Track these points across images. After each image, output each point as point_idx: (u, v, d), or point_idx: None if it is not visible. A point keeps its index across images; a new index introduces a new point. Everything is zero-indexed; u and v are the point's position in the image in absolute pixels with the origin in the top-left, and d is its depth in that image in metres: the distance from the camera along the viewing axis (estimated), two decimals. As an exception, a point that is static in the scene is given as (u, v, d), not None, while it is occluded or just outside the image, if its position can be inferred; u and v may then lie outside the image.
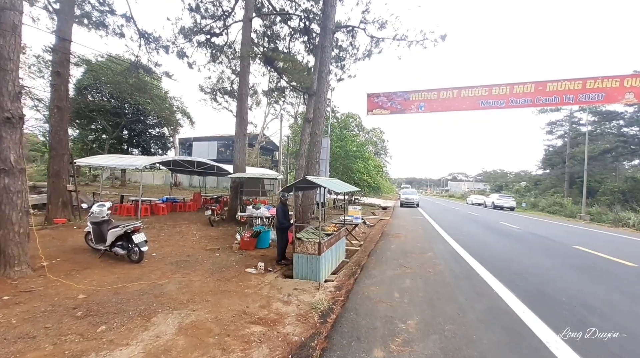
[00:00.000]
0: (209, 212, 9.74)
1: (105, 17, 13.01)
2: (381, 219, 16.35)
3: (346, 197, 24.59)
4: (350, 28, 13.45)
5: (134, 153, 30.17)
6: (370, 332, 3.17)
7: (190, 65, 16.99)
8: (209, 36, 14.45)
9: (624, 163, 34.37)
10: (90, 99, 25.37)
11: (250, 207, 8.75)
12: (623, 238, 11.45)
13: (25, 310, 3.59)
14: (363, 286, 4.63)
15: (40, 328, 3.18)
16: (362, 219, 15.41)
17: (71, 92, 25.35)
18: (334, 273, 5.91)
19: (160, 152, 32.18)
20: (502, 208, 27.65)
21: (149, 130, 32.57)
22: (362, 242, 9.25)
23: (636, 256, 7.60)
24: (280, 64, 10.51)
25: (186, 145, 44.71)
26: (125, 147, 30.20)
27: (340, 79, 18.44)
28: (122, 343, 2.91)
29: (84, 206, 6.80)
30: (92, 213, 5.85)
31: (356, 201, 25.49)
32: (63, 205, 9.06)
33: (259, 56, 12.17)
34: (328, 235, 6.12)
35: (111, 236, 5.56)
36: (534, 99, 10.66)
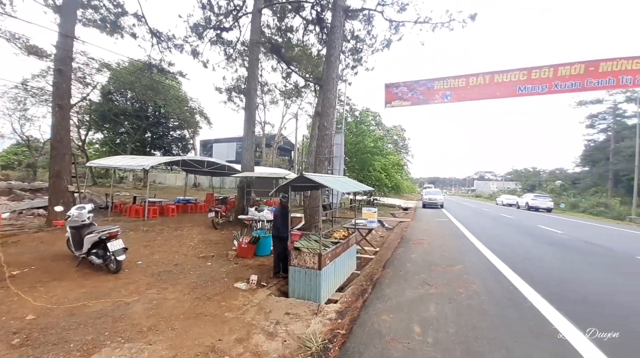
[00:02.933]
0: (212, 214, 9.07)
1: (115, 16, 12.83)
2: (401, 221, 15.04)
3: (364, 197, 23.39)
4: (367, 12, 12.29)
5: (156, 154, 30.79)
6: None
7: (204, 64, 16.60)
8: (219, 31, 13.91)
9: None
10: (115, 103, 26.14)
11: (252, 209, 7.95)
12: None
13: (-51, 338, 2.93)
14: (373, 314, 3.60)
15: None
16: (380, 222, 14.24)
17: (97, 98, 26.43)
18: (340, 289, 4.91)
19: (181, 153, 32.70)
20: (537, 209, 25.09)
21: (171, 132, 33.25)
22: (377, 249, 8.15)
23: None
24: (287, 53, 9.63)
25: (207, 147, 45.41)
26: (148, 149, 30.92)
27: (356, 73, 17.34)
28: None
29: (58, 209, 6.29)
30: (71, 216, 5.28)
31: (375, 201, 24.20)
32: (64, 207, 8.76)
33: (266, 44, 11.31)
34: (335, 242, 5.15)
35: (87, 242, 4.93)
36: (583, 82, 9.01)
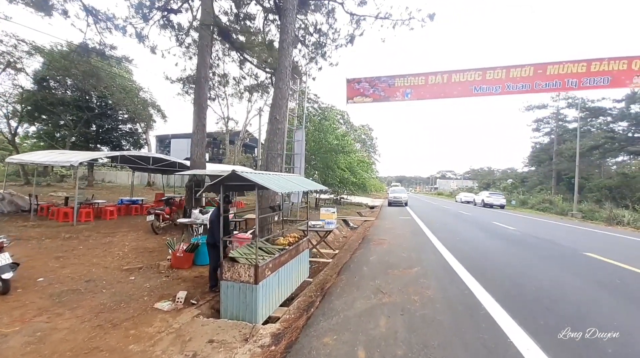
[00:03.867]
0: (150, 217, 7.97)
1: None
2: (366, 220, 14.88)
3: (331, 196, 23.08)
4: (326, 2, 11.82)
5: (102, 150, 27.78)
6: None
7: (152, 50, 15.02)
8: (166, 12, 12.54)
9: (608, 159, 34.20)
10: (51, 91, 22.98)
11: (196, 211, 7.05)
12: (628, 240, 10.32)
13: None
14: (314, 335, 3.06)
15: None
16: (345, 221, 13.90)
17: (30, 85, 23.06)
18: (286, 302, 4.33)
19: (132, 149, 29.89)
20: (492, 206, 26.72)
21: (120, 126, 30.29)
22: (337, 251, 7.70)
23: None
24: (238, 38, 8.80)
25: (165, 142, 42.28)
26: (92, 144, 27.79)
27: (320, 68, 16.88)
28: None
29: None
30: None
31: (341, 200, 24.02)
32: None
33: (214, 28, 10.32)
34: (281, 249, 4.54)
35: (-41, 258, 3.80)
36: (532, 84, 9.33)
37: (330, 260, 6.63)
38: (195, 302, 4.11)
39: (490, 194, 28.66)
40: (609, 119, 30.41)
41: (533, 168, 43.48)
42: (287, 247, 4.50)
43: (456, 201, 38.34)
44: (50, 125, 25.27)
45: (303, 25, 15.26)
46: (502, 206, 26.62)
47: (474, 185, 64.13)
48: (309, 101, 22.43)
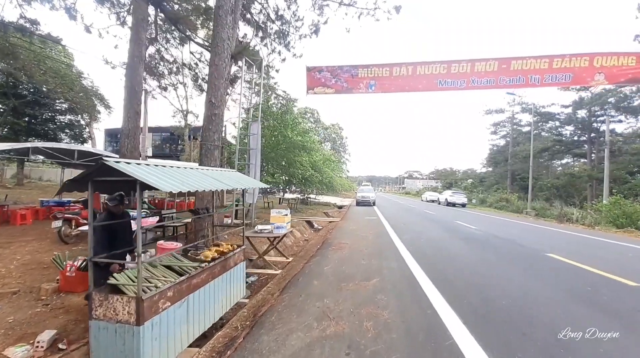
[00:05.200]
0: (57, 223, 6.39)
1: None
2: (331, 221, 14.10)
3: (297, 196, 22.05)
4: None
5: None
6: None
7: (87, 28, 12.95)
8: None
9: (555, 161, 37.16)
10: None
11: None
12: (583, 238, 10.58)
13: None
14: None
15: None
16: (309, 222, 12.95)
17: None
18: (210, 331, 3.27)
19: (72, 143, 26.46)
20: (454, 204, 27.47)
21: (59, 117, 26.72)
22: (290, 259, 6.73)
23: (621, 267, 6.19)
24: (172, 6, 7.44)
25: (116, 136, 38.35)
26: (25, 137, 24.05)
27: (284, 59, 15.85)
28: None
29: None
30: None
31: (308, 200, 23.12)
32: None
33: None
34: (208, 261, 3.48)
35: None
36: (497, 79, 9.07)
37: (279, 272, 5.64)
38: (65, 347, 2.90)
39: (453, 194, 29.52)
40: (557, 123, 32.82)
41: (490, 169, 46.07)
42: (206, 263, 3.42)
43: (422, 200, 39.27)
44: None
45: (264, 10, 14.12)
46: (463, 205, 27.48)
47: (438, 185, 66.89)
48: (275, 95, 21.20)
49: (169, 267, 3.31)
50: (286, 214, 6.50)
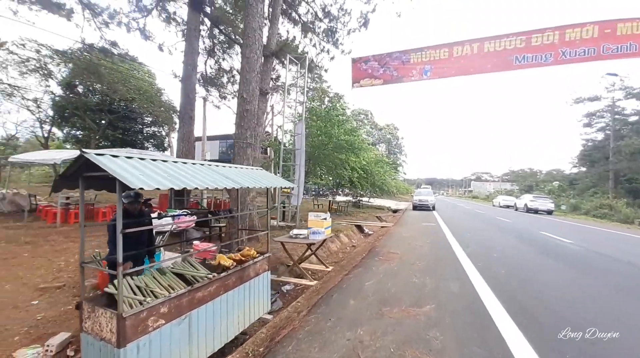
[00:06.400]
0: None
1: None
2: (383, 226, 12.95)
3: (348, 199, 21.25)
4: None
5: (126, 152, 28.61)
6: None
7: (160, 47, 14.58)
8: (160, 1, 11.79)
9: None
10: (75, 96, 23.94)
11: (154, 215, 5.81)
12: None
13: None
14: None
15: None
16: (359, 227, 12.04)
17: (59, 91, 24.22)
18: (230, 348, 2.81)
19: (155, 151, 30.72)
20: (536, 211, 23.12)
21: (146, 129, 31.36)
22: (330, 268, 6.04)
23: None
24: (209, 6, 7.49)
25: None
26: (120, 146, 28.76)
27: (332, 57, 15.43)
28: None
29: None
30: None
31: (360, 203, 22.10)
32: None
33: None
34: (219, 271, 3.06)
35: None
36: (598, 49, 6.95)
37: (314, 283, 4.99)
38: (72, 353, 2.73)
39: (534, 198, 24.94)
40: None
41: (584, 169, 37.98)
42: (213, 274, 2.96)
43: (493, 206, 34.43)
44: (75, 128, 26.46)
45: (310, 10, 13.89)
46: (549, 212, 22.95)
47: (514, 188, 58.27)
48: (329, 98, 20.84)
49: (180, 275, 2.96)
50: (325, 219, 5.85)
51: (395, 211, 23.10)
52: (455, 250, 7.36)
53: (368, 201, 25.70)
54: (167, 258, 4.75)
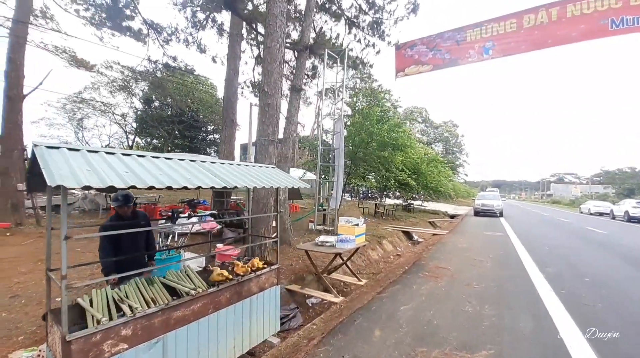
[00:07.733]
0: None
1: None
2: (435, 234, 11.48)
3: (398, 202, 19.78)
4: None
5: (193, 157, 31.98)
6: None
7: (213, 59, 15.53)
8: (209, 13, 12.42)
9: None
10: (153, 110, 27.59)
11: (185, 216, 5.84)
12: None
13: None
14: None
15: None
16: (407, 233, 10.76)
17: (140, 105, 28.26)
18: None
19: (217, 157, 33.54)
20: (643, 221, 18.24)
21: (209, 136, 34.52)
22: (363, 282, 5.27)
23: None
24: (241, 5, 7.36)
25: (246, 149, 46.26)
26: (187, 153, 32.23)
27: (378, 51, 14.50)
28: None
29: None
30: None
31: (411, 206, 20.38)
32: (13, 207, 7.89)
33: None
34: (230, 279, 2.67)
35: None
36: None
37: (339, 300, 4.30)
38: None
39: (638, 204, 19.78)
40: None
41: None
42: (198, 290, 2.53)
43: (581, 213, 28.60)
44: (153, 137, 30.32)
45: (355, 3, 13.22)
46: (663, 222, 17.89)
47: (608, 191, 47.91)
48: (378, 102, 19.86)
49: (171, 288, 2.62)
50: (357, 225, 5.11)
51: (452, 216, 20.72)
52: (529, 269, 5.85)
53: (421, 205, 23.63)
54: (187, 257, 4.63)
